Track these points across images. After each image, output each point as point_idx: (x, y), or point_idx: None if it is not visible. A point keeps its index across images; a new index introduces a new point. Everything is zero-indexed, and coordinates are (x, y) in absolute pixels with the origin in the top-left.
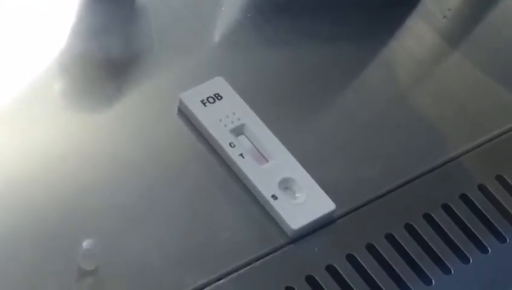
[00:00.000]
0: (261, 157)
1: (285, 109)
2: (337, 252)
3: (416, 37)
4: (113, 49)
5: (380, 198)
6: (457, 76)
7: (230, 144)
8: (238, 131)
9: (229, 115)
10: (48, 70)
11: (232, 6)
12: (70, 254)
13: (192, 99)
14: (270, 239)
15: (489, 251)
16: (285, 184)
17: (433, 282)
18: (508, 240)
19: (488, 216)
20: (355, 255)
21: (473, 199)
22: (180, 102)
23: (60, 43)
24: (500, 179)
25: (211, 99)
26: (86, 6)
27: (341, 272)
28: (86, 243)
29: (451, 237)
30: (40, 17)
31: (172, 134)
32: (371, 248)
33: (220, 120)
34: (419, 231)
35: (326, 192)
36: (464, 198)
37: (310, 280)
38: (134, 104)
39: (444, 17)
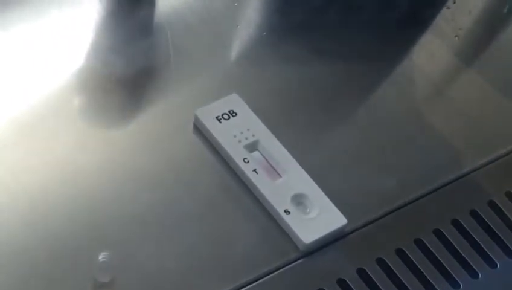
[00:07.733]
0: (275, 172)
1: (298, 126)
2: (348, 266)
3: (429, 55)
4: (131, 65)
5: (391, 213)
6: (469, 94)
7: (244, 160)
8: (252, 147)
9: (243, 131)
10: (67, 85)
11: (247, 25)
12: (86, 266)
13: (207, 115)
14: (283, 253)
15: (498, 266)
16: (298, 199)
17: None
18: None
19: (498, 232)
20: (366, 269)
21: (482, 215)
22: (196, 118)
23: (79, 59)
24: (510, 195)
25: (225, 116)
26: (104, 23)
27: (352, 286)
28: (102, 256)
29: (461, 252)
30: (60, 33)
31: (188, 149)
32: (381, 262)
33: (235, 136)
34: (429, 246)
35: (338, 207)
36: (474, 214)
37: None
38: (150, 120)
39: (456, 36)
